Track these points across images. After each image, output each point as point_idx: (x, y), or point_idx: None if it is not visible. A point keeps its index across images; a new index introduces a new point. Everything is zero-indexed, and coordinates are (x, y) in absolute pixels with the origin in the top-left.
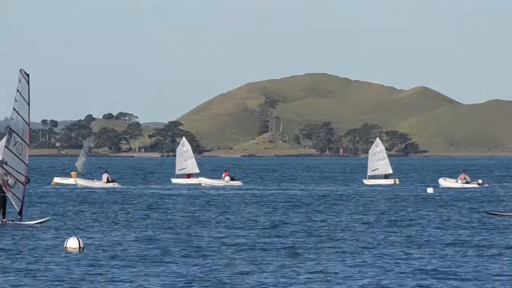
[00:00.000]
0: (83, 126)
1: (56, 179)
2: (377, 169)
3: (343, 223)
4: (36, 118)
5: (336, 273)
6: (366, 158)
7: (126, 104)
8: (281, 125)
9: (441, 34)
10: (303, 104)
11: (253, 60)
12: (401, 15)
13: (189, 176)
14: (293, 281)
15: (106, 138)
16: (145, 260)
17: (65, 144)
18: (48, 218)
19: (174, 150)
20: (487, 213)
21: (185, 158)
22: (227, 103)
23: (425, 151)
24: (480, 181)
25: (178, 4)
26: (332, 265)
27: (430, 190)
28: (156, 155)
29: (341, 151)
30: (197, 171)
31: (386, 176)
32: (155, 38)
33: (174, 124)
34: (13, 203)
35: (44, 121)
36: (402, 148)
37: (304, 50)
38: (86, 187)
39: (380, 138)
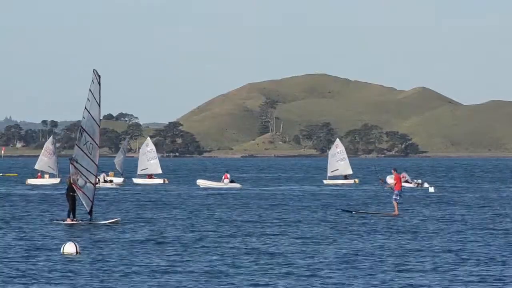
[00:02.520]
0: None
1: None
2: (337, 169)
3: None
4: (36, 118)
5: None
6: (366, 159)
7: (126, 104)
8: (281, 125)
9: (441, 34)
10: (303, 105)
11: (253, 61)
12: (401, 16)
13: (150, 176)
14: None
15: (106, 138)
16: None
17: (65, 145)
18: (119, 218)
19: (174, 151)
20: (341, 210)
21: (148, 158)
22: (227, 103)
23: (425, 152)
24: (419, 181)
25: (178, 4)
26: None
27: (431, 189)
28: None
29: None
30: (160, 171)
31: (346, 177)
32: (155, 38)
33: (174, 125)
34: (83, 202)
35: (44, 122)
36: (402, 149)
37: (304, 50)
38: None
39: (380, 139)
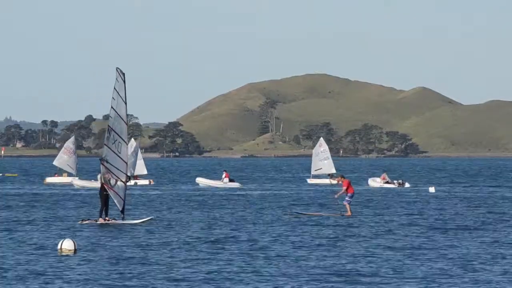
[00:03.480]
0: (83, 127)
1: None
2: (321, 168)
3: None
4: (36, 118)
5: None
6: (367, 159)
7: (126, 104)
8: (281, 125)
9: (441, 34)
10: (303, 105)
11: (253, 61)
12: (401, 16)
13: (136, 177)
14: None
15: None
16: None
17: None
18: (152, 217)
19: (174, 151)
20: (295, 213)
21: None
22: (227, 103)
23: (425, 152)
24: (400, 181)
25: (178, 4)
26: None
27: (432, 189)
28: (156, 155)
29: (340, 151)
30: (145, 172)
31: (330, 175)
32: (155, 38)
33: (174, 125)
34: (115, 201)
35: (44, 122)
36: (402, 149)
37: (304, 50)
38: (82, 187)
39: (380, 139)
